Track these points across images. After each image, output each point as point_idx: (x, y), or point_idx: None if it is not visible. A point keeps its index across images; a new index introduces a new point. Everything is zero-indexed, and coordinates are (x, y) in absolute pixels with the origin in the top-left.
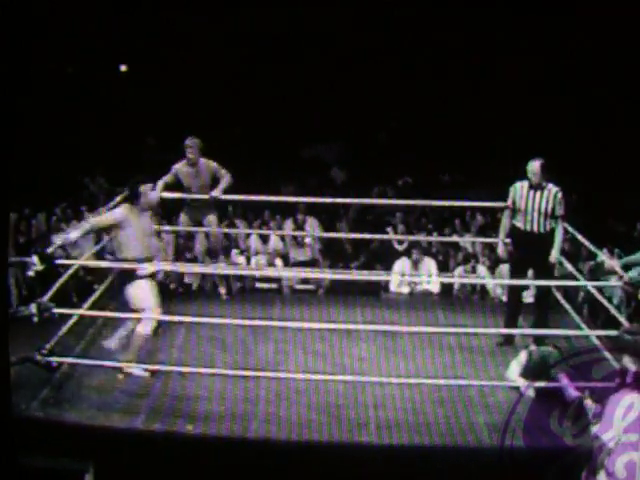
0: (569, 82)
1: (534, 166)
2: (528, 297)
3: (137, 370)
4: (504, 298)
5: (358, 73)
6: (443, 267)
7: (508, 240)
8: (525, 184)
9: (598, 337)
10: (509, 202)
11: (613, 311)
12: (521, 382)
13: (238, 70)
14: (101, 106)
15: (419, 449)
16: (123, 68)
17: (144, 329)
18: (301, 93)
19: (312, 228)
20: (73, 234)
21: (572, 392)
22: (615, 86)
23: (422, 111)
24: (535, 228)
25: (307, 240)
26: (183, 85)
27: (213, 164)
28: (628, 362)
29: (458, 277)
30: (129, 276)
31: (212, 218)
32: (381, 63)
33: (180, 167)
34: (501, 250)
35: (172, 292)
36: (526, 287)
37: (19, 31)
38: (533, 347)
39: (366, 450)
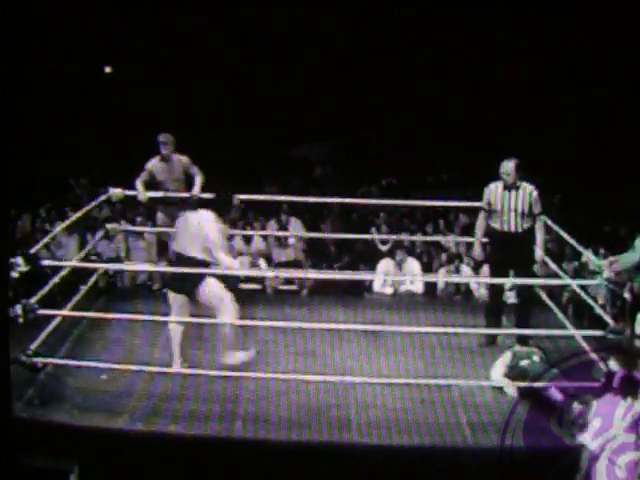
0: (569, 82)
1: (508, 167)
2: (511, 298)
3: (242, 355)
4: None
5: (351, 73)
6: (427, 267)
7: (485, 240)
8: (499, 185)
9: (584, 338)
10: (484, 204)
11: (598, 311)
12: (505, 382)
13: (232, 70)
14: (97, 106)
15: (404, 449)
16: (108, 69)
17: (232, 318)
18: (289, 93)
19: (295, 229)
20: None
21: (556, 395)
22: (615, 86)
23: (420, 111)
24: (512, 228)
25: (290, 240)
26: (171, 85)
27: (185, 159)
28: (614, 365)
29: (442, 278)
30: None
31: None
32: (381, 63)
33: (154, 163)
34: (478, 251)
35: (155, 292)
36: (508, 287)
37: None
38: (517, 347)
39: (350, 450)
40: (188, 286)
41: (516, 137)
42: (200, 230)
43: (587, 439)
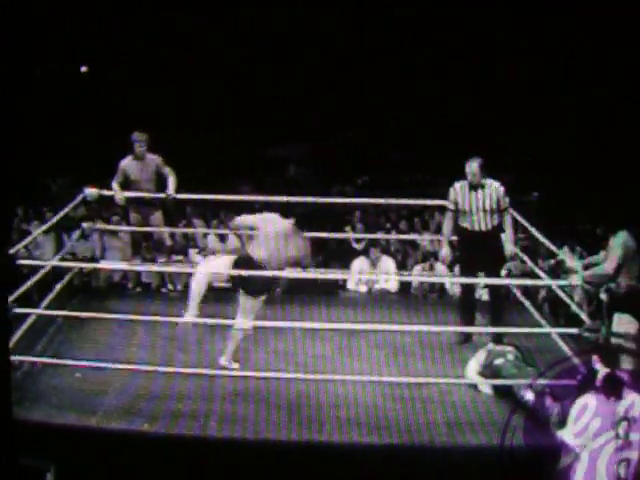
0: (569, 82)
1: (473, 167)
2: (485, 295)
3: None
4: None
5: (326, 74)
6: (401, 266)
7: (454, 239)
8: (465, 184)
9: (560, 336)
10: (450, 205)
11: (575, 309)
12: (479, 380)
13: (213, 71)
14: (77, 106)
15: (379, 447)
16: (84, 69)
17: (248, 325)
18: (265, 94)
19: None
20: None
21: (527, 394)
22: (615, 86)
23: (416, 111)
24: (483, 227)
25: None
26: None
27: (158, 159)
28: (597, 364)
29: (416, 276)
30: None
31: (158, 215)
32: (362, 62)
33: (127, 162)
34: (446, 252)
35: (130, 291)
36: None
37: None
38: (492, 345)
39: (324, 449)
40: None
41: (516, 137)
42: (296, 248)
43: (587, 439)
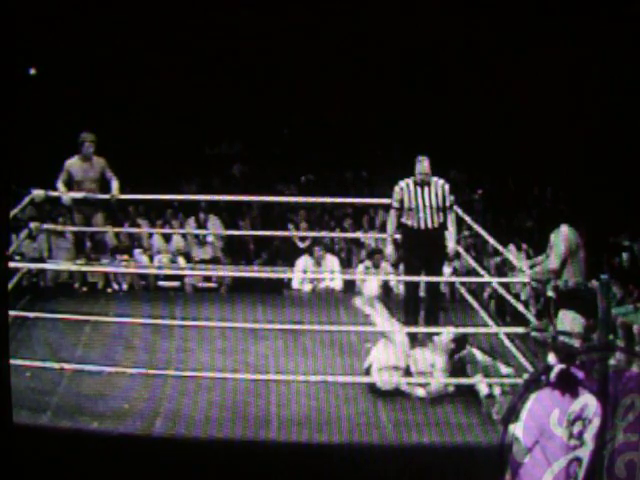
0: (569, 82)
1: (424, 166)
2: (420, 291)
3: None
4: None
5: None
6: (346, 264)
7: (397, 236)
8: (410, 182)
9: (508, 337)
10: (395, 203)
11: (520, 308)
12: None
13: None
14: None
15: (324, 446)
16: (32, 71)
17: None
18: (205, 91)
19: (214, 226)
20: None
21: (484, 388)
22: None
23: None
24: (429, 225)
25: (209, 238)
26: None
27: (103, 161)
28: (553, 360)
29: (360, 274)
30: None
31: (100, 216)
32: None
33: (73, 162)
34: (391, 253)
35: (76, 291)
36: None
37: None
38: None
39: (269, 447)
40: None
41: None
42: None
43: (540, 435)
